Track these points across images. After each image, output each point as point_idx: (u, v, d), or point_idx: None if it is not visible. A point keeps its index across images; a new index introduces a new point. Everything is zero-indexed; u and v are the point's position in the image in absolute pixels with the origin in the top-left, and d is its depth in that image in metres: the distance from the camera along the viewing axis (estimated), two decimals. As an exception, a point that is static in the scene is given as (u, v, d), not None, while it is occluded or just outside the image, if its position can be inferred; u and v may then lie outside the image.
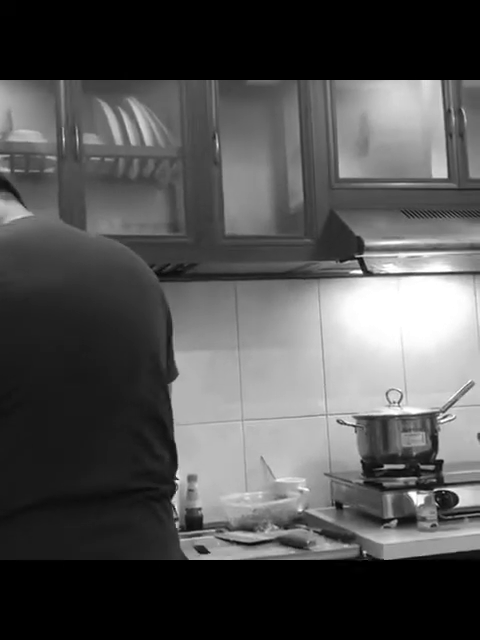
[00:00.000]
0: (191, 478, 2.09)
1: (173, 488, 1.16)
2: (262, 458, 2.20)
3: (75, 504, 1.01)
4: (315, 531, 1.82)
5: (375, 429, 1.99)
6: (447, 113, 2.06)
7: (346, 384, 2.28)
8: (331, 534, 1.78)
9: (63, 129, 1.78)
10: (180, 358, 2.18)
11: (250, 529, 1.92)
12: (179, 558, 1.12)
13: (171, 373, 1.27)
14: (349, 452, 2.16)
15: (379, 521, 1.82)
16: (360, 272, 2.18)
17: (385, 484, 1.90)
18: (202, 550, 1.72)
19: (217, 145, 1.87)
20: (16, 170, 1.86)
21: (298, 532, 1.82)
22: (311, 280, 2.26)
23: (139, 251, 1.82)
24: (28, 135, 1.85)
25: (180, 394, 2.09)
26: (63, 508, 1.01)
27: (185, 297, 2.16)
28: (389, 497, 1.81)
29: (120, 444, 1.07)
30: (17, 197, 1.20)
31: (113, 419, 1.07)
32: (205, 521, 2.07)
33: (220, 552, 1.71)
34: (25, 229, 1.13)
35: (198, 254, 1.88)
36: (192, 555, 1.68)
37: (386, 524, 1.79)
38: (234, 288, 2.22)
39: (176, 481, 1.18)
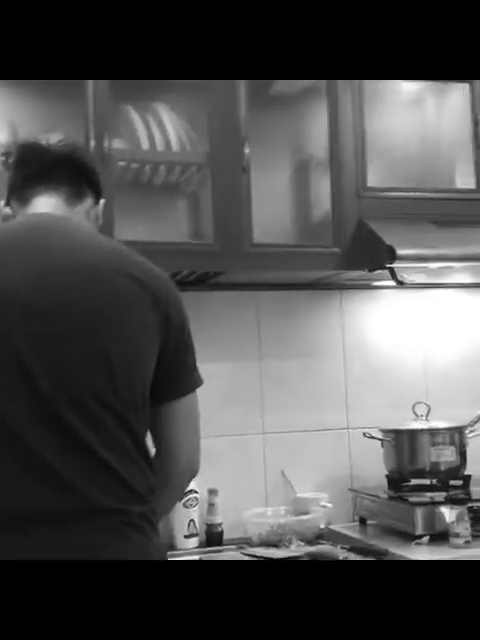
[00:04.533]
0: (211, 492, 2.04)
1: (150, 508, 1.10)
2: (283, 472, 2.15)
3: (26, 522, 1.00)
4: (343, 547, 1.78)
5: (403, 443, 1.95)
6: (474, 123, 2.04)
7: (368, 397, 2.24)
8: (361, 550, 1.73)
9: (91, 133, 1.74)
10: (200, 369, 2.15)
11: (273, 545, 1.87)
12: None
13: (185, 383, 1.22)
14: (370, 467, 2.12)
15: (408, 537, 1.78)
16: (383, 283, 2.17)
17: (413, 499, 1.86)
18: (230, 566, 1.66)
19: (246, 152, 1.84)
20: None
21: (327, 548, 1.77)
22: (333, 291, 2.23)
23: (164, 258, 1.79)
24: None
25: (199, 405, 2.07)
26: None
27: (207, 307, 2.12)
28: (420, 512, 1.77)
29: (78, 460, 1.04)
30: (67, 191, 1.22)
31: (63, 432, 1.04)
32: (225, 536, 2.02)
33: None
34: (10, 227, 1.18)
35: (225, 262, 1.84)
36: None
37: (417, 540, 1.74)
38: (256, 299, 2.18)
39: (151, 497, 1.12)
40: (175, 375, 1.18)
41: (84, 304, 1.08)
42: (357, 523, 2.07)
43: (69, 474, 1.03)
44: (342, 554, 1.68)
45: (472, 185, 2.04)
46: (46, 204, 1.21)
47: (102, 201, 1.29)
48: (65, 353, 1.06)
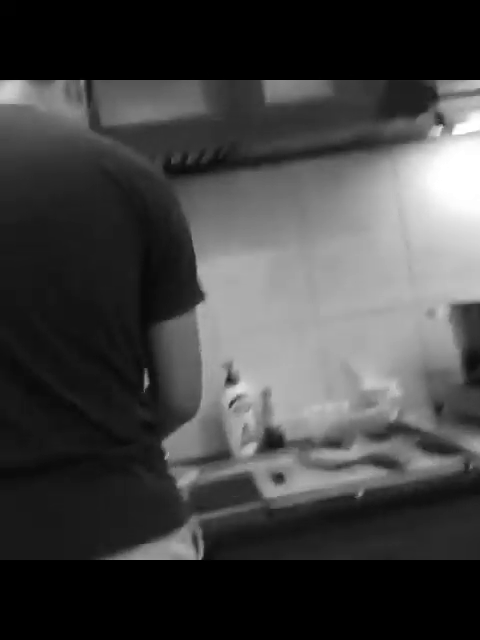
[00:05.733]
0: (265, 394, 1.85)
1: (141, 446, 0.91)
2: (345, 362, 1.92)
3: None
4: (412, 444, 1.56)
5: (473, 317, 1.66)
6: None
7: (436, 267, 1.94)
8: (430, 446, 1.50)
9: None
10: (236, 262, 1.91)
11: (337, 444, 1.68)
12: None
13: (175, 300, 0.97)
14: (448, 345, 1.85)
15: (487, 425, 1.53)
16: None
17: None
18: (279, 479, 1.48)
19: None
20: None
21: (392, 447, 1.55)
22: (382, 149, 1.90)
23: (165, 139, 1.55)
24: None
25: (241, 302, 1.86)
26: None
27: (234, 190, 1.86)
28: (497, 396, 1.51)
29: (33, 403, 0.86)
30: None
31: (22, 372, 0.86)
32: (288, 438, 1.85)
33: (299, 481, 1.47)
34: None
35: (232, 133, 1.55)
36: (268, 487, 1.45)
37: (496, 429, 1.50)
38: (291, 171, 1.89)
39: (148, 432, 0.94)
40: (164, 289, 0.95)
41: (28, 207, 0.87)
42: (434, 411, 1.84)
43: (25, 422, 0.86)
44: (406, 454, 1.46)
45: None
46: (10, 88, 0.99)
47: None
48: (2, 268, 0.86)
